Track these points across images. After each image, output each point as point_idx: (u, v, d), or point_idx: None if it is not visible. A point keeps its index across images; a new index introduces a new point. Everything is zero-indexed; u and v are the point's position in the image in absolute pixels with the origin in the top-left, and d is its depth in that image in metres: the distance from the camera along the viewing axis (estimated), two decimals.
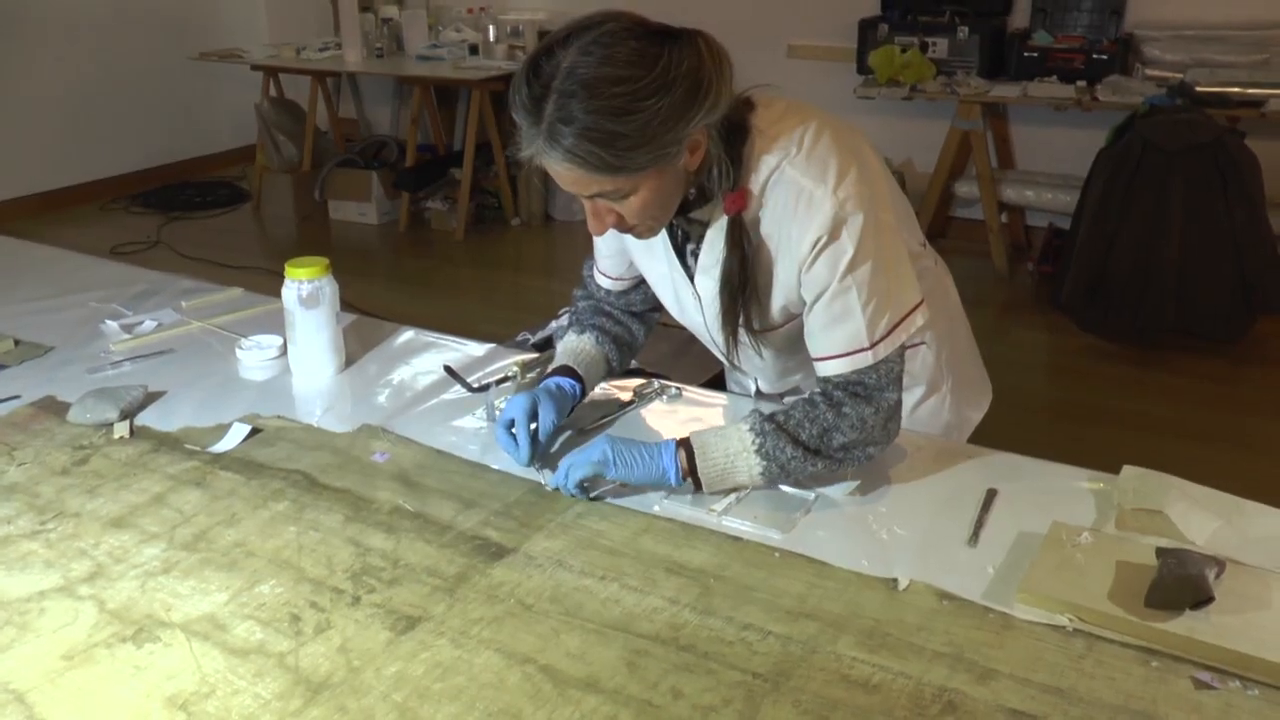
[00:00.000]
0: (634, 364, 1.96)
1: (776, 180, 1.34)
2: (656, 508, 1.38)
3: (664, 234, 1.46)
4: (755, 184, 1.35)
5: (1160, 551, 1.19)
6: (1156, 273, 3.83)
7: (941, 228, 5.20)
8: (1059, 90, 4.47)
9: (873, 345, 1.35)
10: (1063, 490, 1.40)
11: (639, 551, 1.29)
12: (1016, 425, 3.38)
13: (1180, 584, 1.14)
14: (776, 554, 1.28)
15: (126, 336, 1.92)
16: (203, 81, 6.61)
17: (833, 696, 1.05)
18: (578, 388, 1.56)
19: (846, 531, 1.33)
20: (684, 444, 1.39)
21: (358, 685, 1.07)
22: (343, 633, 1.15)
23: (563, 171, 1.26)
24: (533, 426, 1.48)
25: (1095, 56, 4.57)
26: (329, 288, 1.73)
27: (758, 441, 1.36)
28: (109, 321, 1.97)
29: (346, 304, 1.84)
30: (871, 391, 1.37)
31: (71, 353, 1.87)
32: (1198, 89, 4.15)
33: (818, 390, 1.41)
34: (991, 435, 1.70)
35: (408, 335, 1.94)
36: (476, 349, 1.87)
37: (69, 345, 1.90)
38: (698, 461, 1.37)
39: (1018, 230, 5.13)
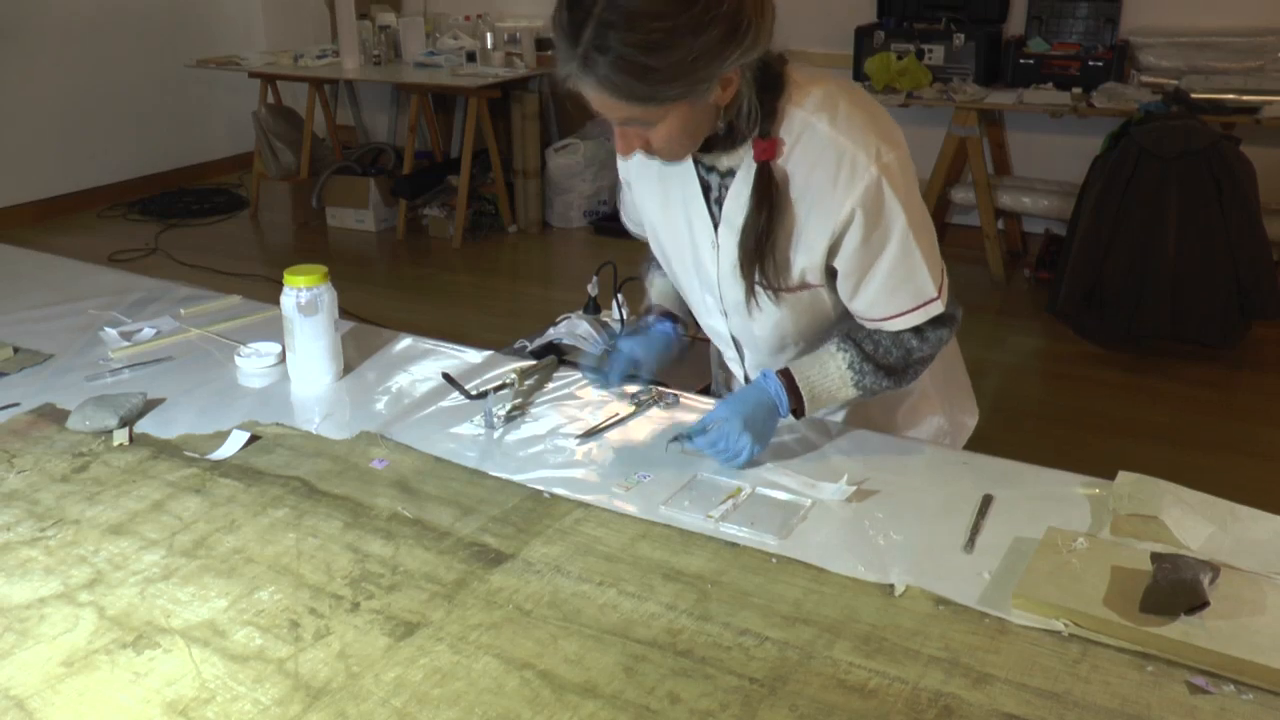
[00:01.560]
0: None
1: (811, 138, 1.36)
2: (659, 509, 1.39)
3: (692, 178, 1.48)
4: (789, 135, 1.37)
5: (1155, 557, 1.20)
6: (1152, 279, 3.85)
7: (938, 234, 5.20)
8: (1055, 97, 4.49)
9: (940, 293, 1.46)
10: (1058, 496, 1.41)
11: (636, 557, 1.29)
12: (1012, 431, 3.40)
13: (1175, 589, 1.14)
14: (773, 559, 1.29)
15: (125, 344, 1.93)
16: (200, 88, 6.63)
17: (829, 701, 1.06)
18: (670, 326, 1.69)
19: (843, 537, 1.33)
20: (789, 385, 1.48)
21: (357, 691, 1.08)
22: (342, 638, 1.16)
23: (594, 97, 1.29)
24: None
25: (1091, 63, 4.59)
26: (327, 295, 1.73)
27: (856, 378, 1.49)
28: (108, 329, 1.98)
29: (344, 311, 1.84)
30: (945, 317, 1.49)
31: (70, 360, 1.88)
32: (1193, 96, 4.17)
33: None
34: (987, 441, 1.71)
35: (406, 342, 1.94)
36: (474, 356, 1.87)
37: (68, 353, 1.90)
38: (806, 406, 1.49)
39: (1014, 236, 5.14)
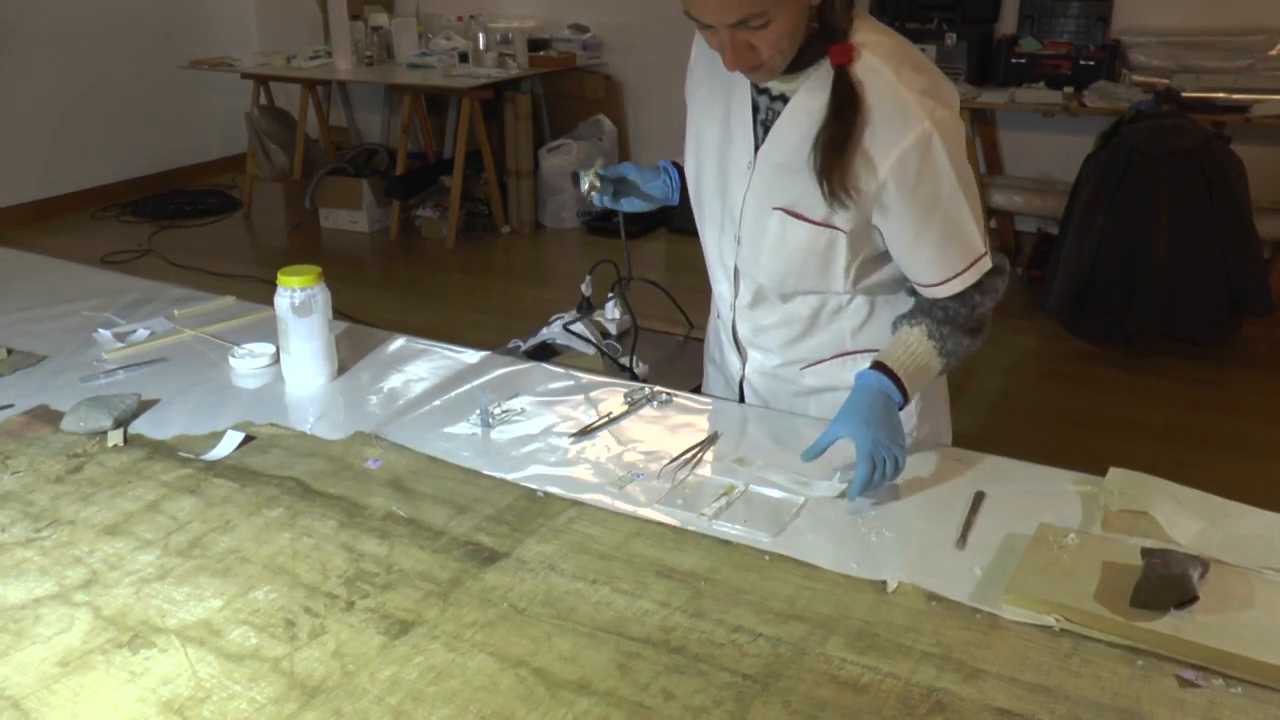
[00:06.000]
0: (630, 365, 1.97)
1: (875, 80, 1.40)
2: (650, 510, 1.39)
3: (745, 96, 1.52)
4: (856, 71, 1.41)
5: (1145, 552, 1.20)
6: (1144, 277, 3.86)
7: None
8: (1046, 96, 4.50)
9: (987, 250, 1.50)
10: (1050, 492, 1.42)
11: (630, 555, 1.30)
12: (1004, 428, 3.41)
13: (1165, 584, 1.15)
14: (766, 557, 1.29)
15: (119, 345, 1.93)
16: (193, 90, 6.62)
17: (822, 697, 1.06)
18: (675, 173, 1.75)
19: (835, 534, 1.34)
20: (889, 375, 1.47)
21: (352, 689, 1.08)
22: (337, 637, 1.16)
23: None
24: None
25: (1082, 62, 4.61)
26: (321, 296, 1.74)
27: (939, 345, 1.51)
28: (102, 330, 1.98)
29: (337, 312, 1.85)
30: (996, 268, 1.53)
31: (64, 361, 1.88)
32: (1184, 95, 4.19)
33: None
34: (979, 438, 1.72)
35: (399, 343, 1.95)
36: (469, 357, 1.88)
37: (62, 354, 1.91)
38: (907, 386, 1.48)
39: (1007, 235, 5.15)
